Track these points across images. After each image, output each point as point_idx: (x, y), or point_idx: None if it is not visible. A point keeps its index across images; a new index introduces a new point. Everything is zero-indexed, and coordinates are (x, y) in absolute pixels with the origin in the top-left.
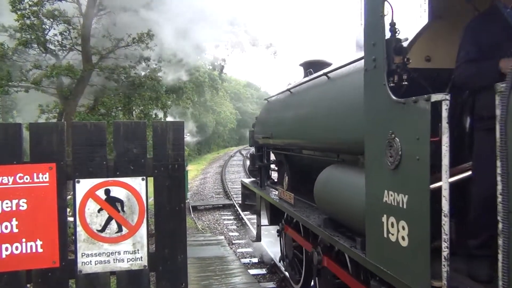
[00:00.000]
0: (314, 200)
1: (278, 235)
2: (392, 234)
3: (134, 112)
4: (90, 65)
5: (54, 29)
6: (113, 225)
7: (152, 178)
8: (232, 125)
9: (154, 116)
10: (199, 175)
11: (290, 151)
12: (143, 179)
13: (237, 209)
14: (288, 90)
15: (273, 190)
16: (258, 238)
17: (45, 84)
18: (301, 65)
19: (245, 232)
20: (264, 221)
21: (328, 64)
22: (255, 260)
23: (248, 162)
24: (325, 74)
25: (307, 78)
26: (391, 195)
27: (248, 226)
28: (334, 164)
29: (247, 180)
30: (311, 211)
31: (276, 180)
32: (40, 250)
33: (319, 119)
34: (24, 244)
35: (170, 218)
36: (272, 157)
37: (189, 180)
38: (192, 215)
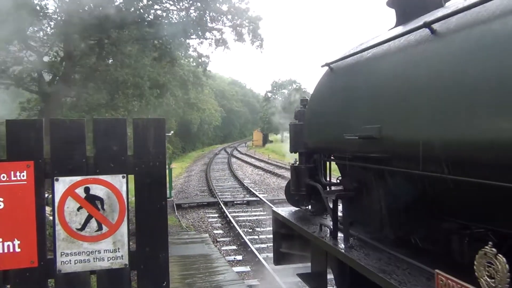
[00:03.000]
0: None
1: None
2: None
3: (119, 110)
4: (72, 62)
5: (35, 24)
6: (93, 224)
7: (133, 175)
8: (217, 123)
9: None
10: (183, 173)
11: (457, 169)
12: (123, 177)
13: (221, 207)
14: (426, 26)
15: (358, 243)
16: None
17: (26, 81)
18: (390, 4)
19: None
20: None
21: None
22: (240, 257)
23: (233, 160)
24: None
25: None
26: None
27: None
28: None
29: (283, 212)
30: None
31: (340, 214)
32: (17, 249)
33: None
34: (0, 244)
35: (151, 216)
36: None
37: (173, 178)
38: (176, 213)
